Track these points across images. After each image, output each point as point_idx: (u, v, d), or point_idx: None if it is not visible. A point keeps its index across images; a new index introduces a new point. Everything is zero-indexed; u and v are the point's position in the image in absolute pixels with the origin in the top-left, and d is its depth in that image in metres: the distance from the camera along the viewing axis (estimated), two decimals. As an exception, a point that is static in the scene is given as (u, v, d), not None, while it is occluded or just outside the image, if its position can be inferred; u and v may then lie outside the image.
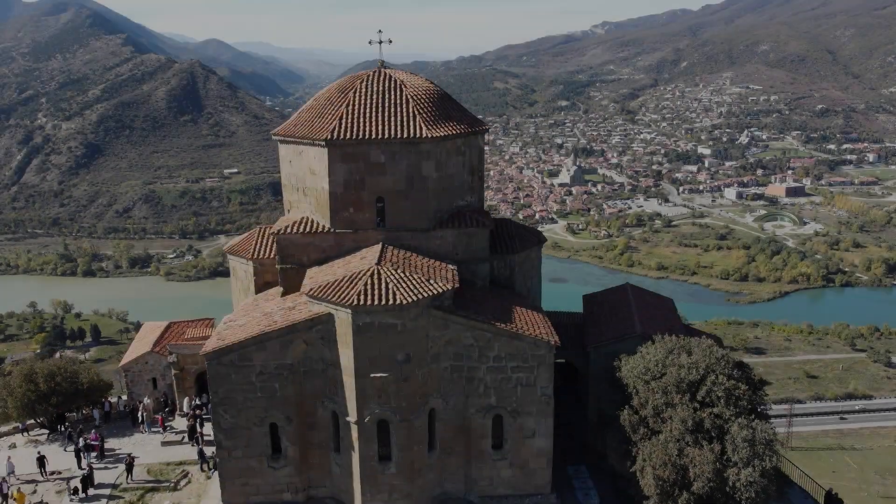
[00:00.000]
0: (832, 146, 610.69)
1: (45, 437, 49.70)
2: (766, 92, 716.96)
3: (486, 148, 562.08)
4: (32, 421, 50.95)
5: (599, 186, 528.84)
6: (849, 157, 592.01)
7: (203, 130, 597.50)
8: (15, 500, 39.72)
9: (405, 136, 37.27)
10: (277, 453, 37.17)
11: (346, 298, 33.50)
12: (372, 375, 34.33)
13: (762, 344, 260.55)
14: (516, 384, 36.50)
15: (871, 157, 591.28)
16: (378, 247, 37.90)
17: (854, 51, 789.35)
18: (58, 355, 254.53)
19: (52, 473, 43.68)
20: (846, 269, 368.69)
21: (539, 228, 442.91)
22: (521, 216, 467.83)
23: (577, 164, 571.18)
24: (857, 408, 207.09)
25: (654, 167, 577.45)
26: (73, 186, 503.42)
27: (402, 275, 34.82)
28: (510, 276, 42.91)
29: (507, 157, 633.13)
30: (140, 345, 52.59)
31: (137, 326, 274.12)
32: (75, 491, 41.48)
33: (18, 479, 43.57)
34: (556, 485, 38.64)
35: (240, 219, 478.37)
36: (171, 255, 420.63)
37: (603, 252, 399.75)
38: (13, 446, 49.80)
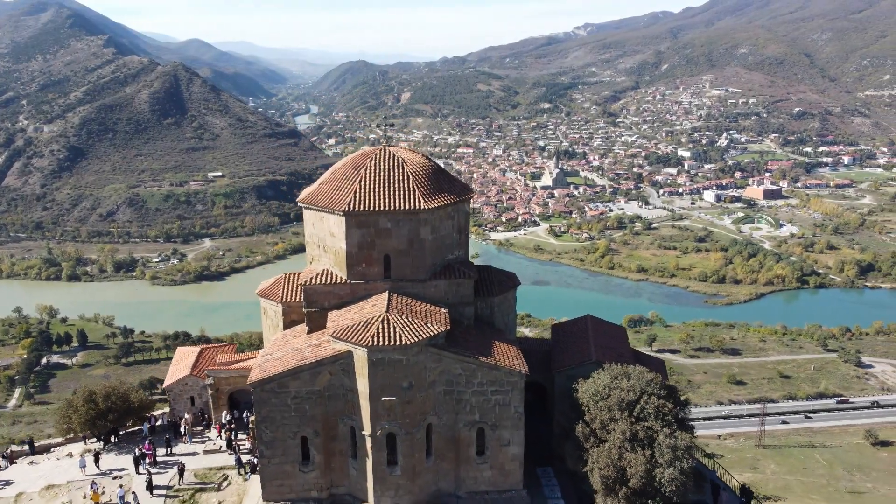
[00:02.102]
0: (809, 149, 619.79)
1: (102, 447, 59.01)
2: (745, 95, 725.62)
3: (470, 151, 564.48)
4: (88, 433, 60.33)
5: (581, 189, 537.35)
6: (825, 159, 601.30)
7: (187, 133, 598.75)
8: (92, 499, 49.14)
9: (407, 207, 47.02)
10: (307, 460, 46.63)
11: (363, 340, 43.14)
12: (383, 398, 43.88)
13: (738, 345, 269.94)
14: (495, 404, 46.11)
15: (846, 159, 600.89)
16: (385, 295, 47.55)
17: (831, 54, 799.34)
18: (45, 360, 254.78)
19: (114, 475, 53.12)
20: (820, 271, 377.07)
21: (522, 231, 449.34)
22: (504, 219, 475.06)
23: (560, 166, 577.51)
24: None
25: (635, 170, 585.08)
26: (56, 190, 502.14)
27: (405, 320, 44.46)
28: (491, 314, 52.87)
29: (490, 160, 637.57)
30: (178, 369, 62.01)
31: (124, 331, 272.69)
32: (148, 484, 51.07)
33: (86, 475, 53.40)
34: (527, 483, 48.22)
35: (224, 222, 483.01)
36: (156, 259, 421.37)
37: (584, 254, 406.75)
38: (70, 455, 59.12)
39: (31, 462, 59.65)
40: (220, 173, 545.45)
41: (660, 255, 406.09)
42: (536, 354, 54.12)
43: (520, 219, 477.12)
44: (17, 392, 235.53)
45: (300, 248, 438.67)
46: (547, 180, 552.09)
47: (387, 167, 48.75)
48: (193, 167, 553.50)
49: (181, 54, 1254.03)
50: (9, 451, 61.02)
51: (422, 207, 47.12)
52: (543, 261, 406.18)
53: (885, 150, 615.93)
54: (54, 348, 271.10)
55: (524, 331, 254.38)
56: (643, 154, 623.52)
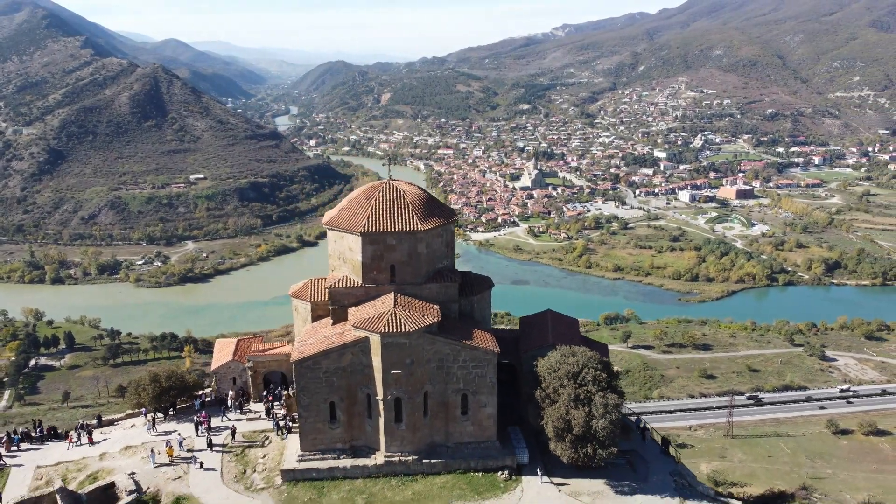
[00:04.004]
0: (781, 149, 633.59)
1: (162, 418, 73.72)
2: (720, 96, 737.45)
3: (450, 152, 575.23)
4: (149, 406, 74.90)
5: (560, 190, 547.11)
6: (796, 159, 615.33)
7: (167, 136, 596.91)
8: (168, 453, 64.05)
9: (407, 229, 62.56)
10: (334, 420, 61.69)
11: (377, 328, 58.43)
12: (392, 372, 59.14)
13: (709, 340, 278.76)
14: (475, 376, 61.34)
15: (816, 159, 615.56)
16: (392, 295, 62.94)
17: (802, 56, 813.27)
18: (33, 362, 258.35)
19: (180, 438, 67.87)
20: (789, 269, 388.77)
21: (502, 231, 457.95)
22: (484, 219, 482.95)
23: (538, 167, 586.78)
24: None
25: (612, 170, 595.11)
26: (37, 193, 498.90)
27: (408, 313, 59.75)
28: (472, 310, 68.54)
29: (470, 161, 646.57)
30: (221, 355, 76.82)
31: (111, 333, 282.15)
32: (209, 443, 65.99)
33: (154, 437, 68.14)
34: (500, 436, 63.59)
35: (207, 224, 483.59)
36: (140, 262, 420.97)
37: (563, 254, 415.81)
38: (134, 426, 73.70)
39: (102, 433, 74.22)
40: (201, 175, 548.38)
41: (636, 254, 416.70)
42: (508, 341, 69.57)
43: (499, 219, 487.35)
44: (7, 394, 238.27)
45: (283, 250, 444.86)
46: (526, 181, 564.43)
47: (391, 197, 64.18)
48: (175, 169, 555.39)
49: (158, 54, 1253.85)
50: (84, 423, 75.39)
51: (419, 229, 62.54)
52: (523, 261, 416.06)
53: (854, 150, 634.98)
54: (42, 350, 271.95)
55: (503, 328, 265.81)
56: (620, 155, 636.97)
